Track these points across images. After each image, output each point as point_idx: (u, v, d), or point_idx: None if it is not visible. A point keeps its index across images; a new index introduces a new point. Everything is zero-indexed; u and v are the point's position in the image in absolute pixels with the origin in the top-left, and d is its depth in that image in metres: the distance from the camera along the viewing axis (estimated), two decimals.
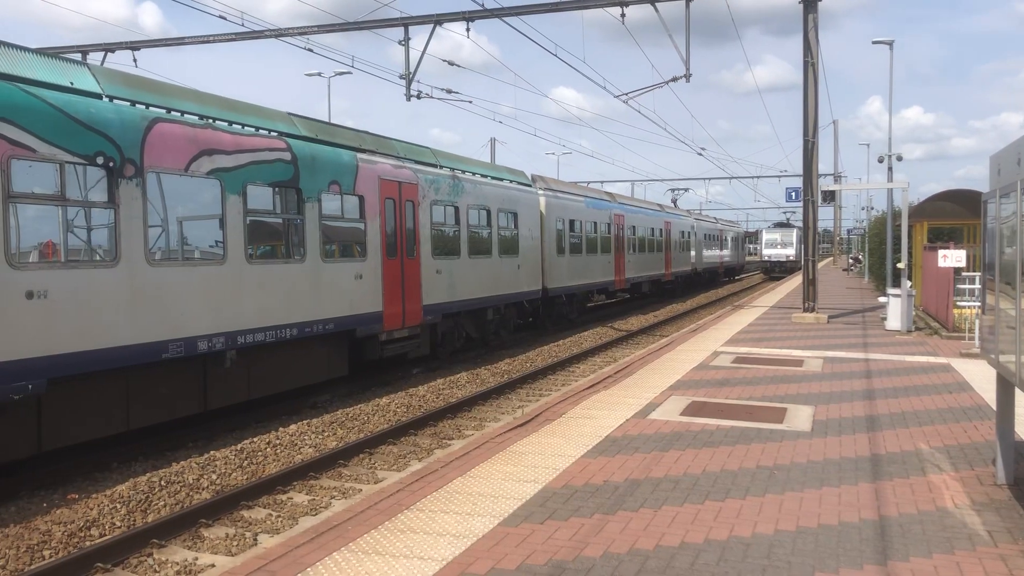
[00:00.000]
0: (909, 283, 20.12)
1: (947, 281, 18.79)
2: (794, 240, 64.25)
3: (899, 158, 28.91)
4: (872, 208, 64.94)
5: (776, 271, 65.94)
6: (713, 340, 17.64)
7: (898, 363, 14.25)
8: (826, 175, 69.18)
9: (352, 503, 6.49)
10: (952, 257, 17.62)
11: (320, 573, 5.04)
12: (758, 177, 68.62)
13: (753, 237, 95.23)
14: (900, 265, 20.16)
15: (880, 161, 29.20)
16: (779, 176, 68.28)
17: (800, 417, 9.72)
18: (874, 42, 27.55)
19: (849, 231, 78.34)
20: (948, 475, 7.29)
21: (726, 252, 60.91)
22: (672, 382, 12.18)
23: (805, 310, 22.23)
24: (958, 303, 18.86)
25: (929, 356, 15.13)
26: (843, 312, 24.84)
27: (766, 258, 66.90)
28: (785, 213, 75.46)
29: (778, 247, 65.94)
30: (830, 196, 23.59)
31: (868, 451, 8.13)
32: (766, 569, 5.12)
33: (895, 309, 19.53)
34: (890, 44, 27.25)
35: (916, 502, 6.51)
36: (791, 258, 64.73)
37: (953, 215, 23.74)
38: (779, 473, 7.31)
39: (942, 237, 27.15)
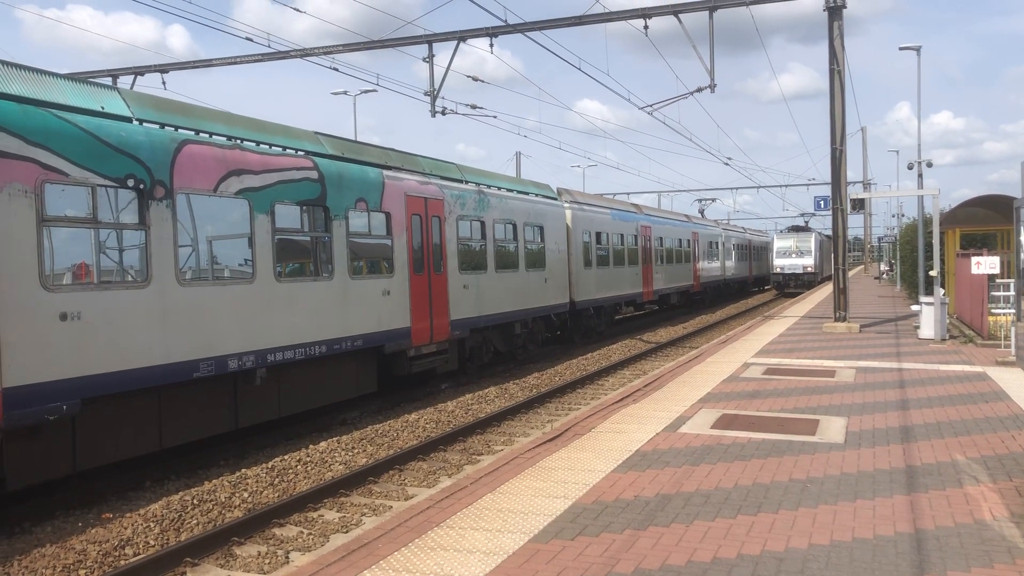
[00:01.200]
0: (942, 291, 19.85)
1: (981, 288, 18.51)
2: (813, 247, 54.14)
3: (929, 164, 28.56)
4: (903, 215, 63.84)
5: (791, 285, 54.53)
6: (743, 351, 17.50)
7: (932, 372, 14.04)
8: (855, 183, 68.55)
9: (382, 520, 6.50)
10: (986, 264, 17.37)
11: None
12: (786, 186, 67.91)
13: None
14: (933, 273, 19.91)
15: (910, 168, 28.91)
16: (807, 184, 67.03)
17: (833, 429, 9.60)
18: (901, 48, 27.34)
19: (880, 239, 76.93)
20: (986, 487, 7.16)
21: (755, 262, 60.45)
22: (702, 395, 12.09)
23: (836, 319, 21.99)
24: (993, 310, 18.56)
25: (964, 365, 14.90)
26: (875, 321, 24.55)
27: (777, 270, 55.27)
28: (804, 216, 64.66)
29: (792, 256, 54.66)
30: (859, 204, 23.36)
31: (903, 463, 8.01)
32: None
33: (928, 317, 19.27)
34: (917, 50, 27.01)
35: (953, 515, 6.40)
36: (809, 269, 53.92)
37: (986, 221, 23.42)
38: (812, 486, 7.22)
39: (975, 243, 26.78)
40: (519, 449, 8.84)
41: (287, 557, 7.75)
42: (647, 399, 11.80)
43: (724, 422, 10.09)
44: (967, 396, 11.67)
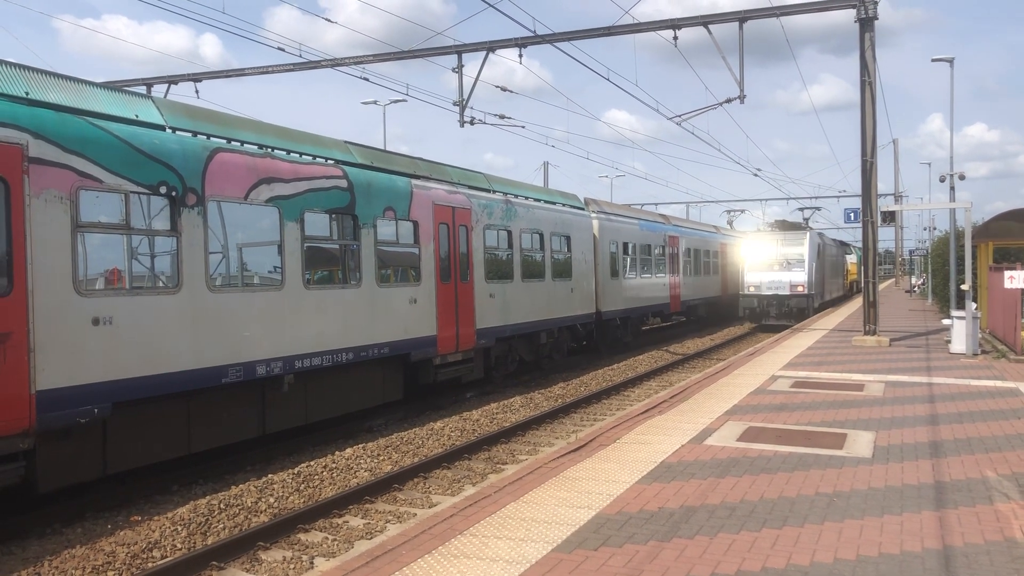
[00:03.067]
0: (974, 305, 19.59)
1: (1014, 303, 18.25)
2: (807, 254, 35.08)
3: (961, 177, 28.21)
4: (935, 228, 63.04)
5: (771, 314, 34.97)
6: (771, 364, 17.37)
7: (963, 387, 13.86)
8: (886, 195, 67.78)
9: (406, 527, 6.53)
10: (1019, 278, 17.12)
11: None
12: (816, 198, 67.34)
13: None
14: (964, 287, 19.65)
15: (942, 180, 28.58)
16: (838, 196, 66.34)
17: (860, 443, 9.51)
18: (934, 60, 27.09)
19: (911, 252, 75.73)
20: (1017, 504, 7.05)
21: None
22: (729, 407, 12.01)
23: (866, 333, 21.76)
24: None
25: (996, 380, 14.69)
26: (906, 335, 24.27)
27: (749, 289, 35.32)
28: (804, 210, 43.64)
29: (774, 268, 35.06)
30: (890, 217, 23.12)
31: (932, 478, 7.91)
32: None
33: (959, 332, 19.02)
34: (950, 62, 26.75)
35: (983, 531, 6.31)
36: (800, 289, 34.63)
37: (1020, 234, 23.08)
38: (839, 500, 7.16)
39: (1008, 257, 26.40)
40: (543, 459, 8.84)
41: (311, 563, 7.81)
42: (673, 411, 11.75)
43: (751, 435, 10.02)
44: (999, 412, 11.50)
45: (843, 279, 53.75)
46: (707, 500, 7.20)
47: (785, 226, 39.11)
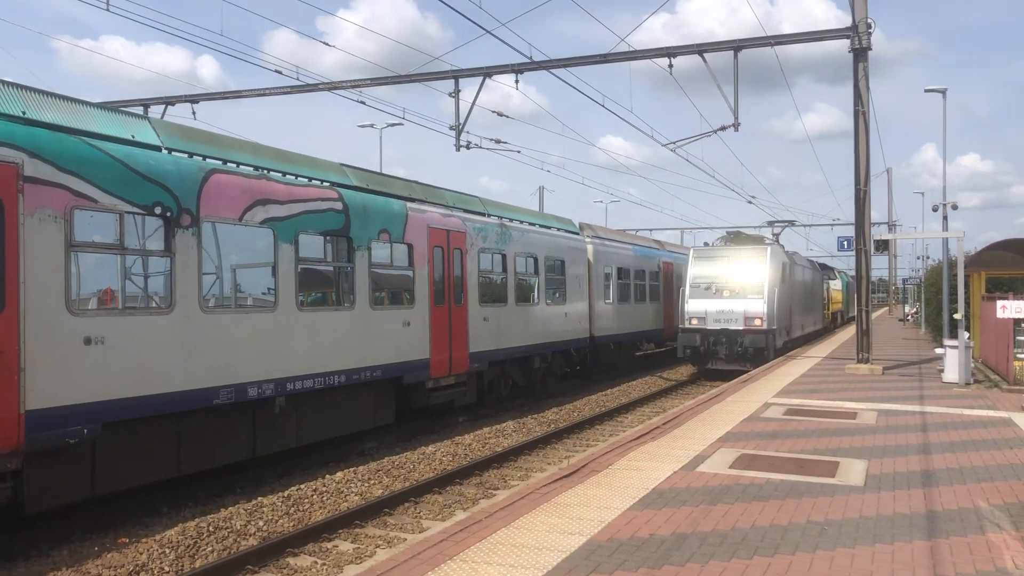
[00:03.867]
0: (967, 334, 19.64)
1: (1007, 332, 18.29)
2: (766, 278, 26.61)
3: (954, 207, 28.39)
4: (928, 257, 63.24)
5: (720, 354, 26.47)
6: (764, 391, 17.36)
7: (956, 416, 13.86)
8: (880, 223, 68.05)
9: (396, 552, 6.49)
10: (1012, 308, 17.17)
11: None
12: (810, 226, 67.57)
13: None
14: (957, 316, 19.71)
15: (935, 210, 28.75)
16: (831, 224, 66.62)
17: (853, 471, 9.49)
18: (927, 90, 27.34)
19: (904, 280, 75.87)
20: (1008, 534, 7.03)
21: None
22: (722, 434, 11.99)
23: (859, 361, 21.77)
24: (1019, 355, 18.33)
25: (988, 410, 14.69)
26: (899, 363, 24.29)
27: (692, 322, 26.79)
28: (772, 223, 35.69)
29: (724, 295, 26.85)
30: (883, 245, 23.22)
31: (923, 507, 7.89)
32: None
33: (952, 361, 19.04)
34: (943, 92, 27.00)
35: (974, 562, 6.29)
36: (758, 324, 26.10)
37: (1013, 264, 23.20)
38: (830, 529, 7.13)
39: (1001, 287, 26.51)
40: (535, 484, 8.80)
41: None
42: (666, 437, 11.72)
43: (743, 462, 9.99)
44: (991, 441, 11.50)
45: (822, 309, 43.61)
46: (699, 527, 7.16)
47: (741, 240, 29.70)
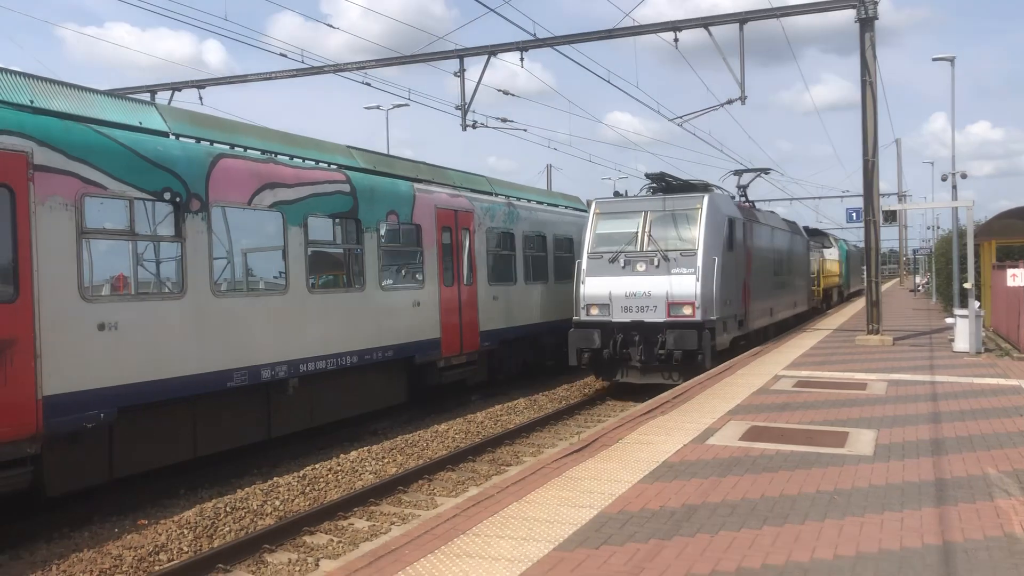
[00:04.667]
0: (977, 303, 19.60)
1: (1018, 301, 18.26)
2: (701, 239, 17.42)
3: (963, 176, 28.24)
4: (938, 228, 62.75)
5: (636, 361, 17.23)
6: (774, 363, 17.40)
7: (966, 385, 13.88)
8: (889, 194, 67.64)
9: (410, 528, 6.58)
10: (1022, 276, 17.13)
11: None
12: (819, 198, 67.30)
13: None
14: (967, 285, 19.66)
15: (944, 179, 28.63)
16: (841, 196, 66.29)
17: (862, 441, 9.54)
18: (935, 59, 27.11)
19: (915, 251, 75.33)
20: (1017, 500, 7.09)
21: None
22: (731, 407, 12.05)
23: (869, 332, 21.77)
24: None
25: (999, 378, 14.71)
26: (909, 334, 24.27)
27: (590, 312, 17.53)
28: (739, 172, 25.64)
29: (637, 270, 17.33)
30: (891, 216, 23.12)
31: (932, 475, 7.95)
32: None
33: (962, 330, 19.03)
34: (951, 60, 26.77)
35: (983, 528, 6.35)
36: (688, 313, 16.99)
37: (1023, 233, 23.10)
38: (839, 498, 7.20)
39: (1012, 255, 26.39)
40: (546, 459, 8.89)
41: (317, 564, 7.87)
42: (676, 411, 11.79)
43: (753, 434, 10.06)
44: (1001, 409, 11.53)
45: (809, 286, 34.80)
46: (708, 499, 7.24)
47: (667, 187, 19.39)
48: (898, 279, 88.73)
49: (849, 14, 21.47)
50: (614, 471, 8.28)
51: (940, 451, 8.99)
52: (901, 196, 71.25)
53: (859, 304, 39.61)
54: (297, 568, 7.81)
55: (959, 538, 6.11)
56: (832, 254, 44.50)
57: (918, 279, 64.51)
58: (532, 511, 6.95)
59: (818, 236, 43.11)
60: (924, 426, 10.39)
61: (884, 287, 74.24)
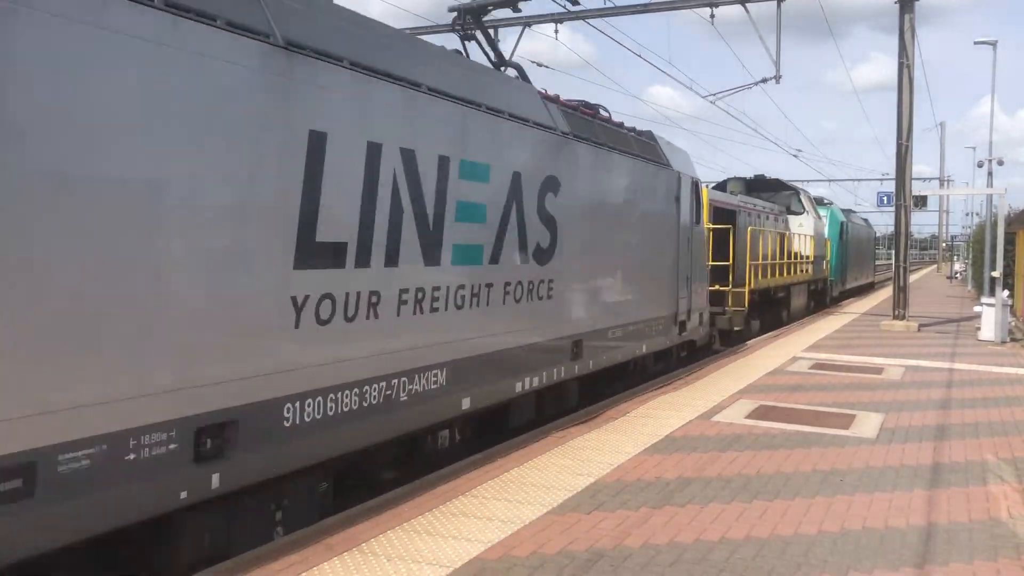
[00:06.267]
0: (1005, 292, 19.43)
1: None
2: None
3: (1000, 162, 27.74)
4: (977, 214, 61.56)
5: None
6: (794, 345, 17.44)
7: (983, 374, 13.86)
8: (931, 179, 66.61)
9: (411, 487, 6.84)
10: None
11: (374, 548, 5.39)
12: (858, 180, 66.48)
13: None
14: (995, 273, 19.49)
15: (980, 166, 28.17)
16: (880, 179, 65.37)
17: (868, 424, 9.64)
18: (976, 43, 26.62)
19: (953, 238, 74.14)
20: (1010, 486, 7.19)
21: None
22: (743, 386, 12.17)
23: (895, 317, 21.67)
24: None
25: (1019, 368, 14.65)
26: (936, 321, 24.09)
27: None
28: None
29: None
30: (922, 201, 22.90)
31: (931, 460, 8.05)
32: (801, 566, 5.23)
33: (989, 319, 18.90)
34: (993, 45, 26.27)
35: (969, 511, 6.47)
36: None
37: None
38: (833, 477, 7.34)
39: None
40: (551, 428, 9.11)
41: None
42: (687, 388, 11.94)
43: (760, 413, 10.19)
44: (1013, 398, 11.53)
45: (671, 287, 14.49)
46: (704, 472, 7.42)
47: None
48: (936, 265, 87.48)
49: None
50: (617, 442, 8.48)
51: (943, 437, 9.07)
52: (943, 181, 70.09)
53: (883, 293, 37.54)
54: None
55: (944, 520, 6.24)
56: (806, 227, 27.55)
57: (956, 266, 63.45)
58: (532, 476, 7.17)
59: (779, 193, 27.36)
60: (932, 412, 10.45)
61: (921, 273, 73.17)
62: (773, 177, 28.48)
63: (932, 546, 5.66)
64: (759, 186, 26.72)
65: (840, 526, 6.03)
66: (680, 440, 8.65)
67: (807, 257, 27.10)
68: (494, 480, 7.04)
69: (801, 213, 27.41)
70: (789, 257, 24.82)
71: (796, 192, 28.07)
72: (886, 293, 38.05)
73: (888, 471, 7.60)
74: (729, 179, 25.81)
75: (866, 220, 47.87)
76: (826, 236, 30.42)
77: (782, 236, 24.27)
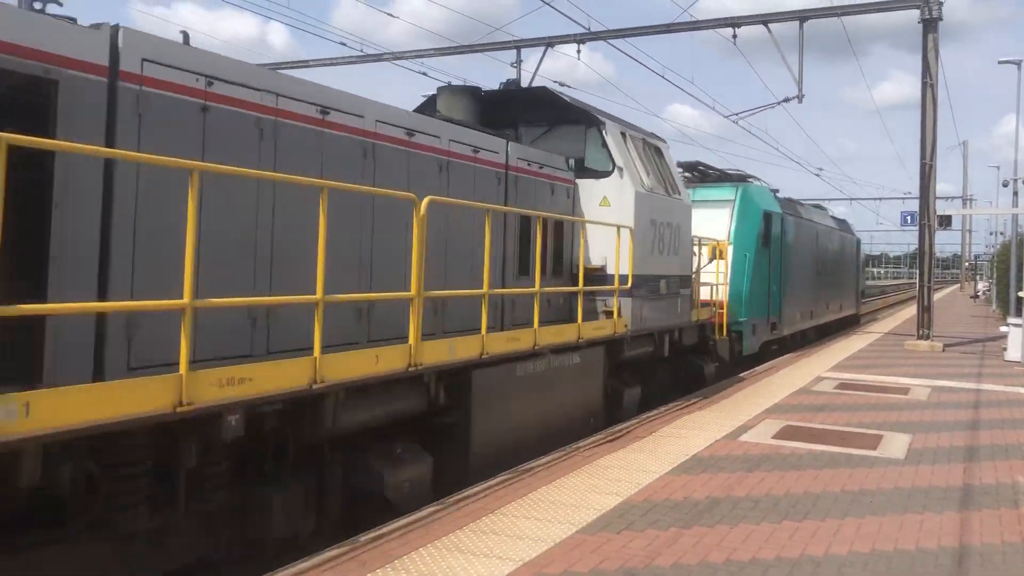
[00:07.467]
0: None
1: None
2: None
3: None
4: (1001, 233, 61.01)
5: None
6: (818, 365, 17.37)
7: (1012, 395, 13.74)
8: (954, 198, 66.10)
9: (440, 505, 6.88)
10: None
11: (406, 565, 5.43)
12: (879, 199, 66.05)
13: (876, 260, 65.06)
14: (1021, 293, 19.35)
15: (1005, 185, 28.02)
16: (902, 198, 64.90)
17: (895, 445, 9.59)
18: (1001, 62, 26.54)
19: (976, 257, 73.41)
20: None
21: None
22: (769, 405, 12.14)
23: (919, 337, 21.54)
24: None
25: None
26: (961, 341, 23.91)
27: None
28: None
29: None
30: (946, 221, 22.80)
31: (961, 481, 8.00)
32: None
33: (1015, 339, 18.75)
34: (1018, 64, 26.18)
35: (1002, 533, 6.43)
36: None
37: None
38: (863, 498, 7.31)
39: None
40: (577, 446, 9.13)
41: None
42: (712, 407, 11.92)
43: (786, 433, 10.16)
44: None
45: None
46: (733, 492, 7.41)
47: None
48: (958, 285, 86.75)
49: (913, 13, 21.18)
50: (643, 462, 8.48)
51: (973, 458, 9.02)
52: (966, 200, 69.55)
53: (887, 322, 33.08)
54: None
55: (976, 542, 6.20)
56: (625, 205, 11.63)
57: (980, 285, 62.85)
58: (559, 495, 7.20)
59: (556, 129, 12.09)
60: (961, 433, 10.39)
61: (943, 292, 72.55)
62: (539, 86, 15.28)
63: (965, 568, 5.63)
64: (510, 104, 12.27)
65: (871, 547, 6.01)
66: (707, 460, 8.64)
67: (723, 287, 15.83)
68: (522, 499, 7.07)
69: (607, 174, 11.77)
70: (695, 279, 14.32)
71: (598, 124, 11.91)
72: (904, 315, 37.77)
73: (917, 492, 7.56)
74: (442, 88, 11.92)
75: (845, 223, 33.23)
76: (728, 238, 18.00)
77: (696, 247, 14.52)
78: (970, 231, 79.91)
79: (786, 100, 23.27)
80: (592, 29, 21.78)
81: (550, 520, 6.48)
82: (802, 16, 21.65)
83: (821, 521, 6.62)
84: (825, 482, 7.84)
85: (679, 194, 13.77)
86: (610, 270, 11.15)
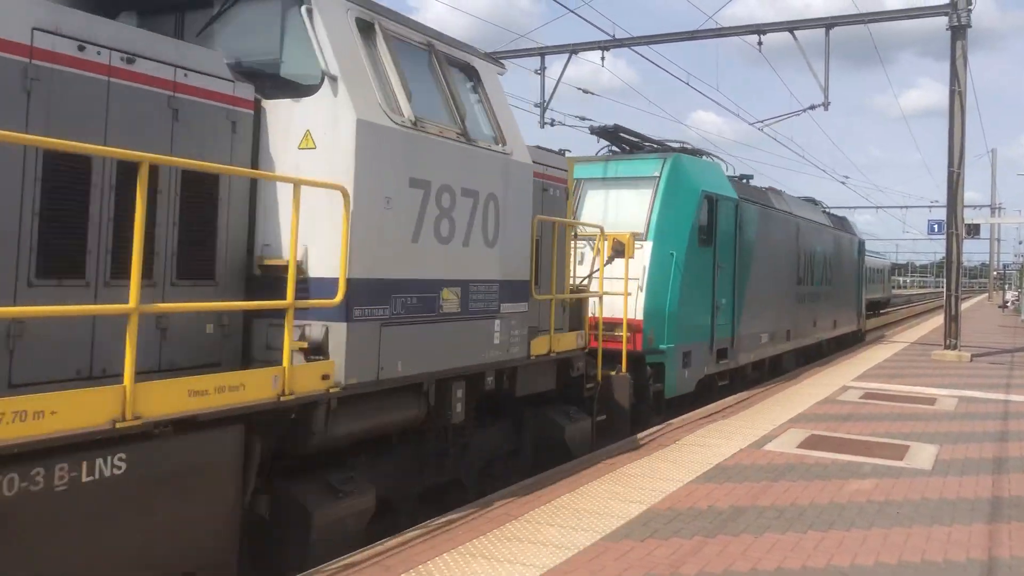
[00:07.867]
0: None
1: None
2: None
3: None
4: None
5: None
6: (843, 375, 17.23)
7: None
8: (982, 206, 65.39)
9: (465, 512, 6.90)
10: None
11: (430, 570, 5.46)
12: (906, 207, 65.48)
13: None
14: None
15: None
16: (929, 206, 64.32)
17: (922, 455, 9.50)
18: None
19: (1005, 266, 72.50)
20: None
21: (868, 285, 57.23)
22: (794, 415, 12.06)
23: (946, 347, 21.30)
24: None
25: None
26: (990, 351, 23.62)
27: None
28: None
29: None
30: (974, 230, 22.56)
31: (990, 493, 7.91)
32: None
33: None
34: None
35: None
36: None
37: None
38: (889, 509, 7.25)
39: None
40: (602, 455, 9.12)
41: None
42: (737, 416, 11.86)
43: (811, 442, 10.09)
44: None
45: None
46: (757, 502, 7.37)
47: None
48: (987, 294, 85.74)
49: (941, 20, 21.01)
50: (667, 470, 8.46)
51: (1002, 470, 8.91)
52: (994, 208, 68.79)
53: (909, 333, 33.12)
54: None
55: (1006, 554, 6.13)
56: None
57: (1008, 295, 62.00)
58: (583, 503, 7.19)
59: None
60: (990, 444, 10.27)
61: (971, 302, 71.73)
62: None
63: None
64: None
65: (898, 558, 5.97)
66: (731, 469, 8.60)
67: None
68: (546, 506, 7.08)
69: (313, 89, 6.26)
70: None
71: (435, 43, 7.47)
72: (931, 324, 37.36)
73: (945, 504, 7.48)
74: None
75: (843, 220, 27.82)
76: (645, 229, 13.18)
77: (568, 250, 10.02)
78: (999, 240, 79.05)
79: (812, 107, 23.13)
80: (616, 36, 21.78)
81: (574, 527, 6.48)
82: (828, 23, 21.53)
83: (847, 531, 6.57)
84: (851, 493, 7.77)
85: (506, 147, 8.05)
86: (317, 271, 6.12)
